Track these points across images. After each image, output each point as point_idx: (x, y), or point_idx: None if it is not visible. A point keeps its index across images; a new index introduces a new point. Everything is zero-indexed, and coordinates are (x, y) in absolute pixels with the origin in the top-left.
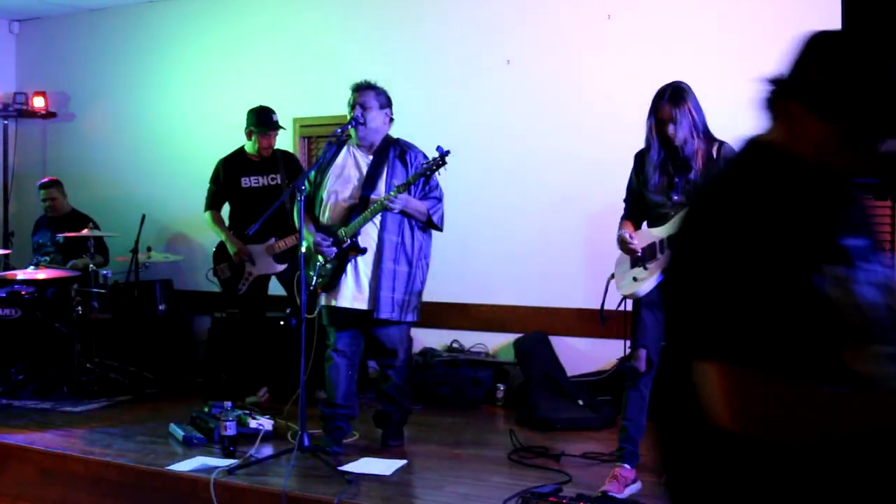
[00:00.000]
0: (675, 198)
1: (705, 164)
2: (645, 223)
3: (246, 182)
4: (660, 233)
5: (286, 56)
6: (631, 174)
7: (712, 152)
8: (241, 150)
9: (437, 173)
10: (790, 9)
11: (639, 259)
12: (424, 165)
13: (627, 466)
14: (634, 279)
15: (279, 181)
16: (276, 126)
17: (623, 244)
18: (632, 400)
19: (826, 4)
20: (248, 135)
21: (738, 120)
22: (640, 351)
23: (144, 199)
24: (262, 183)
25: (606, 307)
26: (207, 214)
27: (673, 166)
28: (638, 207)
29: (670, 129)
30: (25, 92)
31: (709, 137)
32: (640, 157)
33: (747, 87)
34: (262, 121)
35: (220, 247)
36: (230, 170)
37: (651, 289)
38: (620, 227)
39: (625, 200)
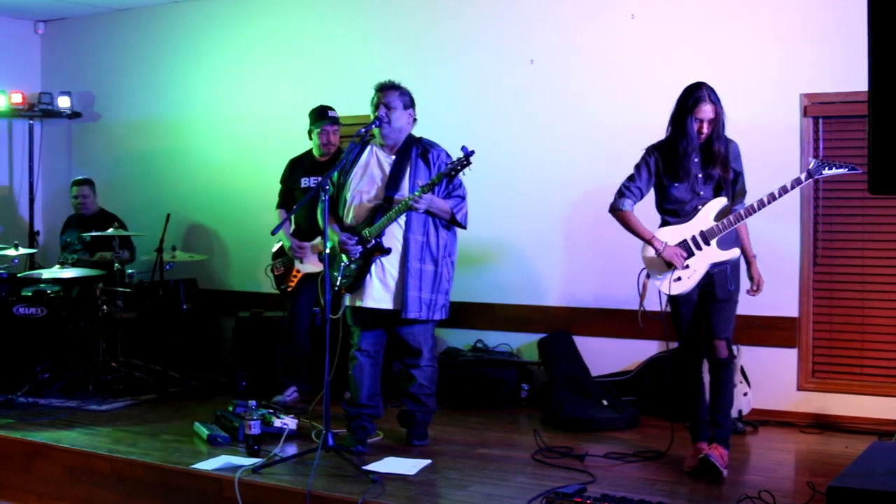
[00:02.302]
0: (702, 193)
1: (723, 159)
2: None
3: (306, 182)
4: (687, 228)
5: (309, 57)
6: (648, 166)
7: (723, 151)
8: (310, 151)
9: (461, 173)
10: (815, 8)
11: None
12: (449, 166)
13: (715, 445)
14: (679, 279)
15: None
16: (330, 120)
17: (673, 261)
18: (695, 387)
19: (851, 3)
20: (309, 134)
21: (760, 118)
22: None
23: (169, 199)
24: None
25: (649, 310)
26: (277, 213)
27: (703, 162)
28: (641, 198)
29: (708, 127)
30: (51, 92)
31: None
32: (664, 152)
33: (771, 86)
34: (316, 116)
35: (281, 245)
36: (293, 170)
37: (694, 285)
38: (635, 223)
39: (629, 188)
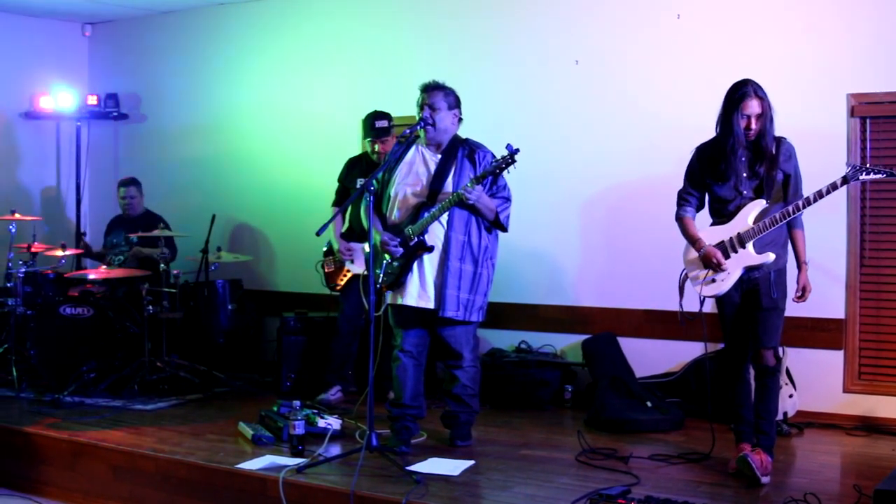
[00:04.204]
0: (745, 192)
1: (769, 159)
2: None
3: (361, 183)
4: (726, 230)
5: (354, 57)
6: (693, 168)
7: (772, 148)
8: (367, 151)
9: (506, 171)
10: (862, 6)
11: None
12: (494, 163)
13: (758, 450)
14: (714, 280)
15: None
16: (377, 133)
17: (709, 261)
18: (739, 388)
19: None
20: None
21: (806, 118)
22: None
23: (215, 200)
24: None
25: (687, 310)
26: (332, 210)
27: (748, 161)
28: (700, 201)
29: (755, 123)
30: (97, 94)
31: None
32: (708, 152)
33: (818, 86)
34: (366, 128)
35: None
36: (351, 169)
37: (731, 286)
38: (689, 228)
39: (684, 194)
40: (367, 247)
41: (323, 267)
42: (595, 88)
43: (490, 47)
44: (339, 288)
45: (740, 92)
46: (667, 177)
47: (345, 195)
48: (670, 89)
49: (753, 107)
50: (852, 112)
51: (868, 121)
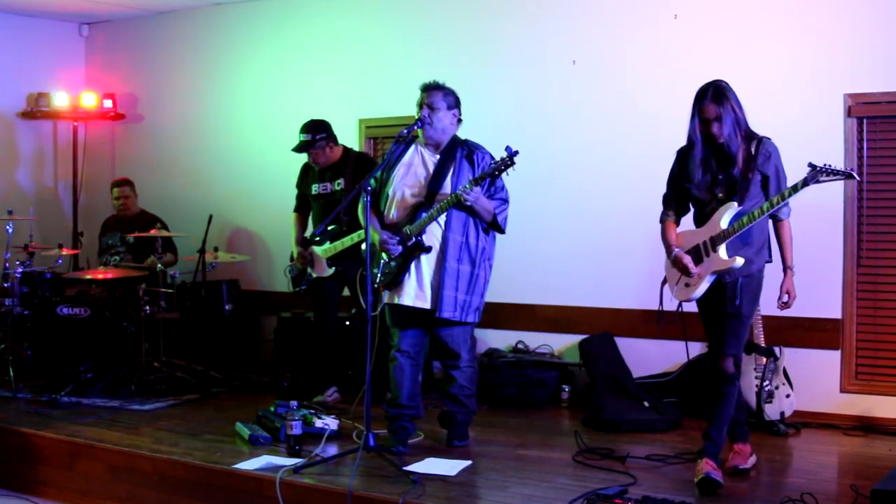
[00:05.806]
0: (720, 195)
1: (745, 160)
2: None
3: (315, 188)
4: (701, 233)
5: (352, 58)
6: (673, 171)
7: (751, 149)
8: None
9: (505, 173)
10: (860, 5)
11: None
12: (493, 165)
13: (706, 459)
14: (686, 285)
15: (344, 186)
16: (298, 147)
17: (678, 264)
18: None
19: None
20: None
21: (803, 118)
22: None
23: (212, 200)
24: (329, 189)
25: (666, 309)
26: (293, 216)
27: (717, 164)
28: (680, 204)
29: (714, 127)
30: (94, 94)
31: (748, 134)
32: (683, 155)
33: (814, 86)
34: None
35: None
36: (305, 175)
37: (704, 291)
38: (666, 233)
39: (666, 198)
40: (328, 251)
41: (289, 272)
42: (592, 89)
43: (488, 47)
44: (302, 291)
45: (698, 96)
46: (663, 176)
47: (302, 200)
48: (667, 89)
49: (708, 111)
50: (849, 112)
51: (865, 121)
